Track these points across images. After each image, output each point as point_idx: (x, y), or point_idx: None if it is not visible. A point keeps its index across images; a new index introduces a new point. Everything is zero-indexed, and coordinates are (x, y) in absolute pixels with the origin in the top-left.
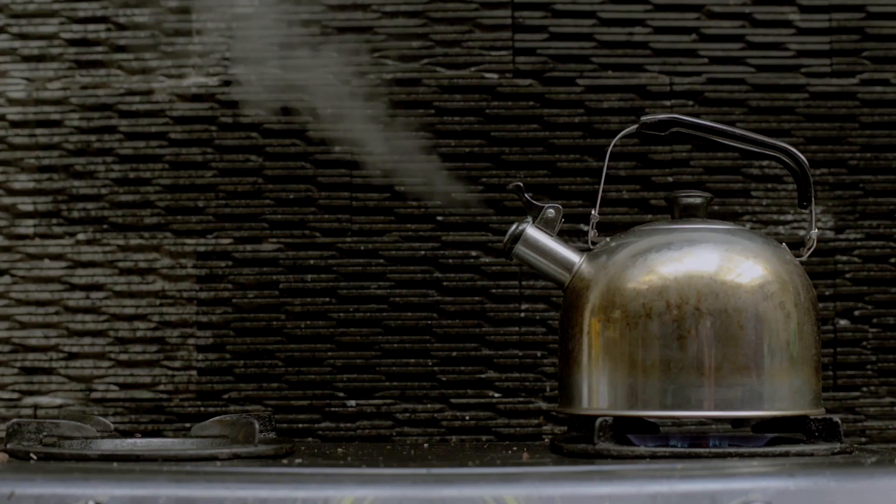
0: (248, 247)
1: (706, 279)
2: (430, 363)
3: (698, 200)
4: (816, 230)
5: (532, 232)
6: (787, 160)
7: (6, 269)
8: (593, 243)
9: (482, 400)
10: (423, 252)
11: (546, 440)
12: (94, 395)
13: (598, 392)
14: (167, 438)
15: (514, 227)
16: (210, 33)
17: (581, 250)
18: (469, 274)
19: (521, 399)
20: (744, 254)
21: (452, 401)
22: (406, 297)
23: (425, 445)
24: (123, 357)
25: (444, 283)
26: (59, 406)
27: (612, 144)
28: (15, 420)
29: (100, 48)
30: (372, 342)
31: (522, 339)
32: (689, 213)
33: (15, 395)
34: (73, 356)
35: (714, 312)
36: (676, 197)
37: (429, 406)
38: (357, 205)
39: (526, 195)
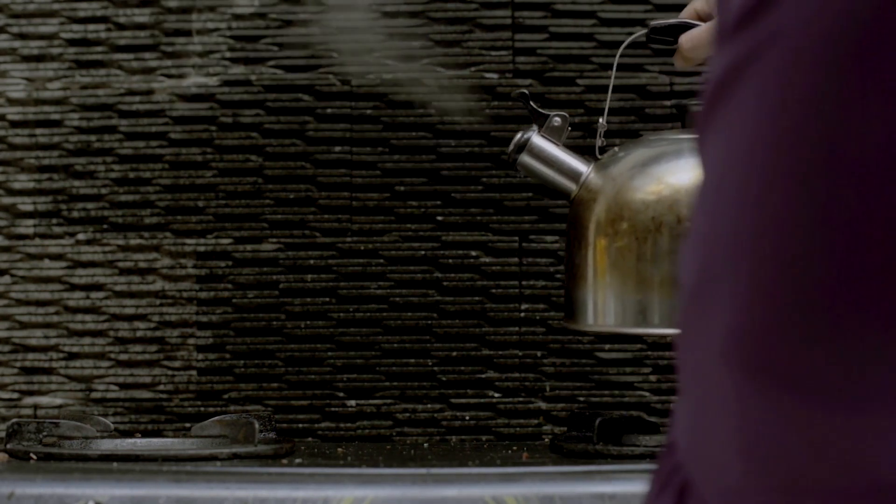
0: (248, 247)
1: None
2: (430, 363)
3: None
4: None
5: (538, 141)
6: None
7: (6, 269)
8: (601, 152)
9: (482, 400)
10: (423, 252)
11: (546, 440)
12: (94, 395)
13: (604, 308)
14: (167, 438)
15: (518, 135)
16: (210, 33)
17: (588, 161)
18: (469, 274)
19: (521, 399)
20: None
21: (452, 401)
22: (406, 297)
23: (425, 445)
24: (123, 357)
25: (444, 283)
26: (59, 406)
27: (618, 54)
28: (15, 420)
29: (100, 48)
30: (372, 342)
31: (522, 339)
32: None
33: (15, 395)
34: (73, 356)
35: None
36: (686, 105)
37: (429, 406)
38: (357, 205)
39: (531, 102)
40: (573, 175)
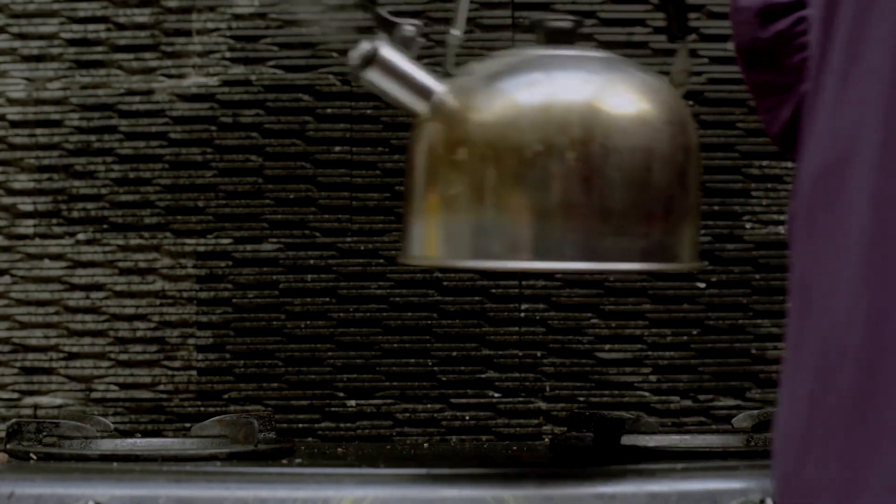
0: (248, 247)
1: (582, 110)
2: (430, 363)
3: (569, 25)
4: (691, 63)
5: (386, 53)
6: None
7: (6, 269)
8: (454, 68)
9: (482, 400)
10: None
11: (546, 440)
12: (94, 395)
13: (437, 239)
14: (167, 438)
15: (365, 46)
16: (210, 33)
17: (443, 79)
18: (469, 274)
19: (521, 399)
20: (635, 85)
21: (452, 401)
22: (406, 297)
23: (425, 445)
24: (123, 357)
25: (444, 283)
26: (59, 406)
27: None
28: (15, 420)
29: (100, 48)
30: (372, 342)
31: (522, 339)
32: (557, 40)
33: (15, 395)
34: (73, 356)
35: (584, 144)
36: (540, 21)
37: (429, 406)
38: (357, 205)
39: (378, 10)
40: (424, 92)
